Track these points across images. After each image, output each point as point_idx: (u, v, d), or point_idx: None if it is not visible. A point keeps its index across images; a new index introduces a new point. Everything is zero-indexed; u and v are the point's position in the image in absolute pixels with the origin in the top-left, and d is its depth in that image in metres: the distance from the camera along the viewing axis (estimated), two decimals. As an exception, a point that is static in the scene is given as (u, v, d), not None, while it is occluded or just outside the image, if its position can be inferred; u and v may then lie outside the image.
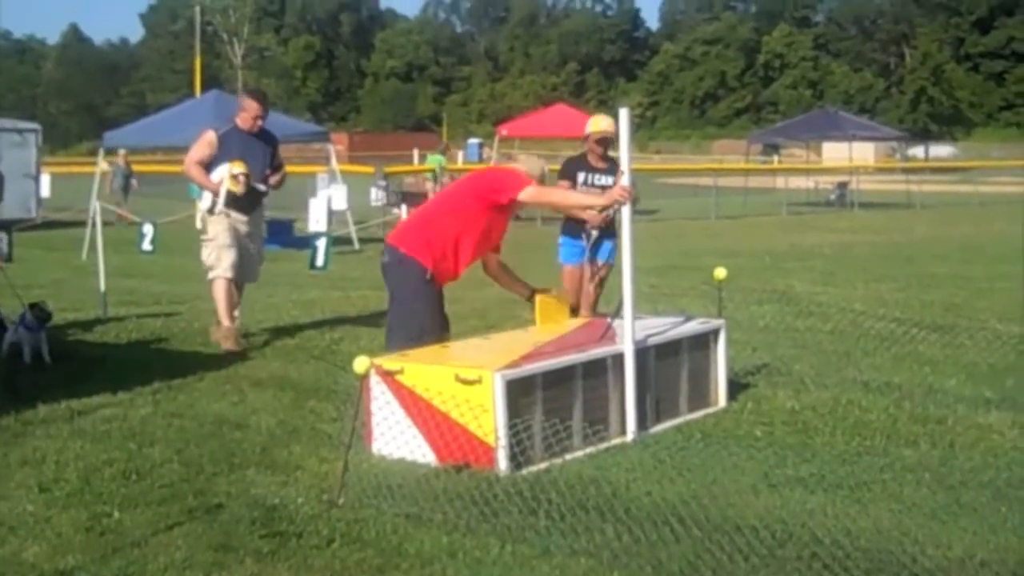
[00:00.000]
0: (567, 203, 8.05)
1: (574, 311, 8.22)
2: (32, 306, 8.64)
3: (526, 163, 7.60)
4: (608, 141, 8.77)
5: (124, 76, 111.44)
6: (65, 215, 24.77)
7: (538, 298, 7.40)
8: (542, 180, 7.22)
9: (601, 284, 9.00)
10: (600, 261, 8.97)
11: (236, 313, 9.22)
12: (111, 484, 5.45)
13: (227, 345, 8.92)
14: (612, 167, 8.64)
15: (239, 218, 9.13)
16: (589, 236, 8.87)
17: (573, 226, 8.94)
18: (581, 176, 8.85)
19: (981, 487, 5.36)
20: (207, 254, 9.10)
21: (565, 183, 8.85)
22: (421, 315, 6.88)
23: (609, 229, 8.85)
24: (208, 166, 9.07)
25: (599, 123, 8.90)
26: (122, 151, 27.22)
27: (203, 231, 9.14)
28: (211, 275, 9.09)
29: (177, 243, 18.29)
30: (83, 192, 21.63)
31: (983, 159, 58.59)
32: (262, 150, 9.23)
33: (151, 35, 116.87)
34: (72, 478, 5.53)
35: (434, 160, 28.17)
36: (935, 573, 4.18)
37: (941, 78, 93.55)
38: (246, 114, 9.15)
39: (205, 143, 9.09)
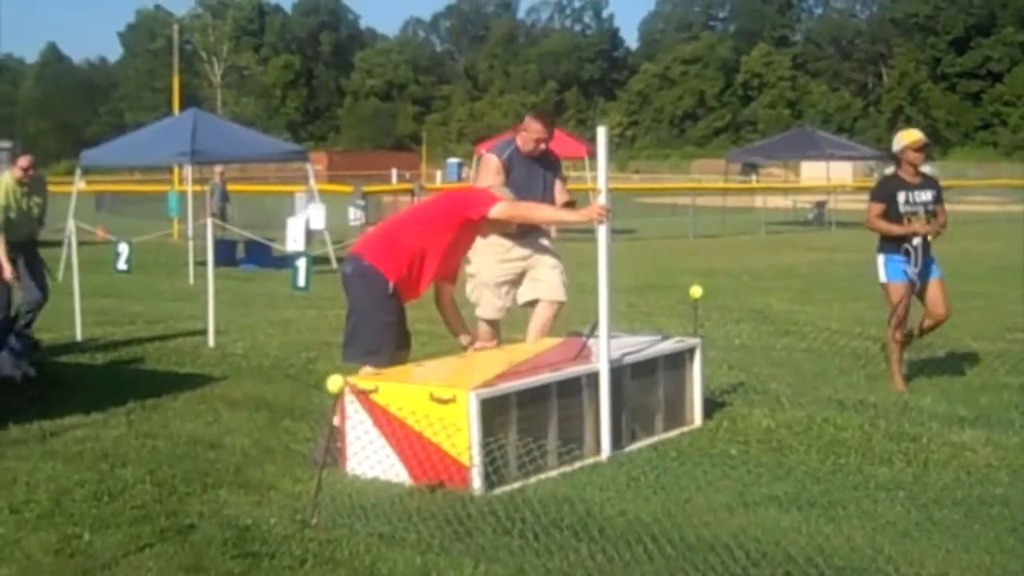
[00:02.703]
0: (540, 218, 7.43)
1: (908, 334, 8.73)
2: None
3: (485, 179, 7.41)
4: (924, 149, 8.64)
5: (103, 95, 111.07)
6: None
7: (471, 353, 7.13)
8: None
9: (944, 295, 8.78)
10: (934, 278, 8.75)
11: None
12: (82, 505, 5.42)
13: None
14: (926, 182, 8.69)
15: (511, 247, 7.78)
16: (913, 253, 8.60)
17: (891, 244, 8.73)
18: (902, 196, 8.57)
19: (954, 505, 5.38)
20: (471, 290, 7.95)
21: (880, 205, 8.66)
22: (382, 328, 6.57)
23: (926, 246, 8.63)
24: None
25: (912, 134, 8.70)
26: (218, 168, 24.21)
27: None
28: (476, 313, 8.00)
29: (152, 262, 18.29)
30: (60, 211, 21.50)
31: (959, 178, 58.76)
32: (543, 175, 7.80)
33: (130, 54, 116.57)
34: (43, 500, 5.50)
35: None
36: (908, 591, 4.19)
37: (918, 98, 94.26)
38: (527, 135, 7.67)
39: (492, 171, 7.63)
